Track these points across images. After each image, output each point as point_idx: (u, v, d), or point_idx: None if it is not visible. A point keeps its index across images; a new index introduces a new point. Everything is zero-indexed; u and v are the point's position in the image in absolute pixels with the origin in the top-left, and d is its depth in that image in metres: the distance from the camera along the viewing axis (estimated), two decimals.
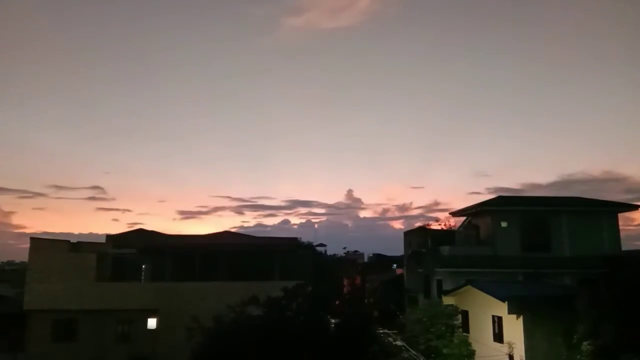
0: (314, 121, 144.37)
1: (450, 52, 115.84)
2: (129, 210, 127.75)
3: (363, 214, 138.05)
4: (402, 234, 36.57)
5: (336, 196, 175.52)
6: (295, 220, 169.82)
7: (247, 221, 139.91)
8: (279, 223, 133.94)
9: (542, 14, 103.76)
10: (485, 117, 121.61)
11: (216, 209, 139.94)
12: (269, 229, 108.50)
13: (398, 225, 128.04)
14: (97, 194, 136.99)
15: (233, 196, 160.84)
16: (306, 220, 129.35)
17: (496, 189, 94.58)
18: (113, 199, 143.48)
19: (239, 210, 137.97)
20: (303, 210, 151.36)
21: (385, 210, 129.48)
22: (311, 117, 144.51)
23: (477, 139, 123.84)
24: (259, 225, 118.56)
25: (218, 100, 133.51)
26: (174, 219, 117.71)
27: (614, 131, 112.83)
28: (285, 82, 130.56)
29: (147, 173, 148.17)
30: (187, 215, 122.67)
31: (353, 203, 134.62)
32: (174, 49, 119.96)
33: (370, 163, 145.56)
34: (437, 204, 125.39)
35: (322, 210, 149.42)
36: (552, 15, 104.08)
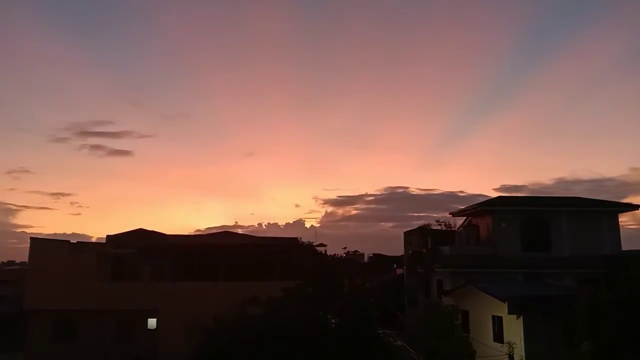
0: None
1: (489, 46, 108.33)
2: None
3: (362, 212, 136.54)
4: (402, 234, 36.58)
5: (334, 192, 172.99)
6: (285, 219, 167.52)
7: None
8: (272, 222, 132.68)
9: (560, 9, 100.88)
10: (490, 115, 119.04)
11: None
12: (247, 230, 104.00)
13: (398, 224, 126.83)
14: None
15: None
16: (296, 221, 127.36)
17: (505, 188, 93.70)
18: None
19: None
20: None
21: (385, 209, 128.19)
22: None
23: (481, 137, 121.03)
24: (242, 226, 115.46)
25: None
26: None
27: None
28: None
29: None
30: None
31: (352, 200, 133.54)
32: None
33: (368, 156, 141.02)
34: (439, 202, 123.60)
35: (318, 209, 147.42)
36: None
